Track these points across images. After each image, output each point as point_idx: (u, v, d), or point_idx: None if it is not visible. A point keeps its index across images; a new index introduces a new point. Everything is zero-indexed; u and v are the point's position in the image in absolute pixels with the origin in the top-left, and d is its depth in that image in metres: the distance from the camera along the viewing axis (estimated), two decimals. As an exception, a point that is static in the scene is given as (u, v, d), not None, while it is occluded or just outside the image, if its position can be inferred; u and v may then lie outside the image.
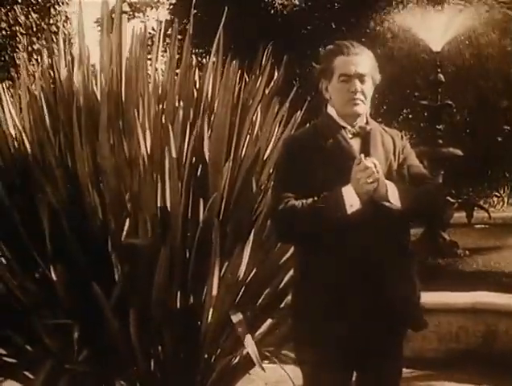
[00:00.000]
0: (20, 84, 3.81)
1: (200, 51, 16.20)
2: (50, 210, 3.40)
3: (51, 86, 3.68)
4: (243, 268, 3.41)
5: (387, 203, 2.55)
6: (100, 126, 3.35)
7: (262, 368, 3.19)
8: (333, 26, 16.58)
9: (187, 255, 3.40)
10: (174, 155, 3.28)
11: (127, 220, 3.39)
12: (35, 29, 14.29)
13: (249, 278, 3.51)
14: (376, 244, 2.54)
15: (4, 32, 14.05)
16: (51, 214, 3.39)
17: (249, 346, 3.17)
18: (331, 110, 2.70)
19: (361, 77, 2.63)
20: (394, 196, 2.55)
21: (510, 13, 14.02)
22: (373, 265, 2.54)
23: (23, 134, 3.72)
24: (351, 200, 2.50)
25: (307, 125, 2.86)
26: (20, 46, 14.04)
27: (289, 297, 3.58)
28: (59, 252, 3.34)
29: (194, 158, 3.50)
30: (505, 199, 13.58)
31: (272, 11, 17.15)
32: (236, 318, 3.24)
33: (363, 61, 2.65)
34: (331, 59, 2.66)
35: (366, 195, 2.51)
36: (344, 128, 2.66)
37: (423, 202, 2.65)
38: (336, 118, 2.68)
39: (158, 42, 3.85)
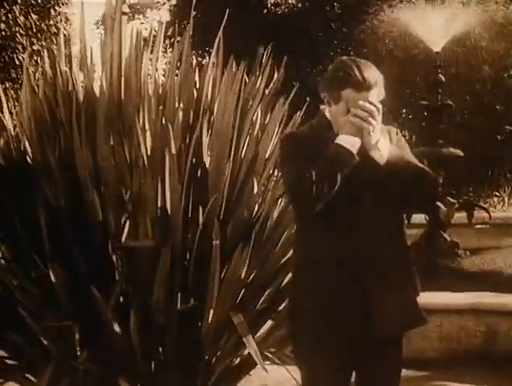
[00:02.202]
0: (21, 84, 3.82)
1: (200, 52, 16.21)
2: (50, 211, 3.40)
3: (52, 86, 3.68)
4: (244, 269, 3.41)
5: (377, 153, 2.52)
6: (98, 127, 3.35)
7: (264, 368, 3.19)
8: (333, 27, 16.61)
9: (188, 256, 3.40)
10: (174, 156, 3.27)
11: (127, 221, 3.39)
12: (34, 30, 14.29)
13: (249, 279, 3.51)
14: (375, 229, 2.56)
15: (4, 33, 14.04)
16: (50, 215, 3.39)
17: (251, 346, 3.17)
18: (328, 114, 2.65)
19: None
20: (384, 147, 2.54)
21: (509, 13, 14.04)
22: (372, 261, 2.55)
23: (24, 135, 3.72)
24: (349, 141, 2.49)
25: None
26: (20, 47, 14.03)
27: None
28: (59, 253, 3.34)
29: (194, 159, 3.49)
30: (506, 200, 13.54)
31: (271, 11, 17.16)
32: (237, 319, 3.24)
33: (373, 95, 2.52)
34: (339, 87, 2.53)
35: (361, 134, 2.49)
36: None
37: (416, 171, 2.62)
38: (329, 119, 2.64)
39: (159, 43, 3.85)
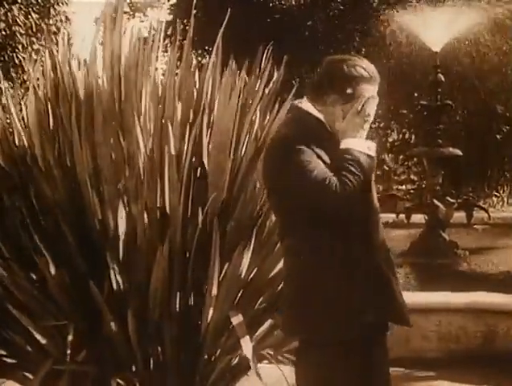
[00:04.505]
0: (20, 84, 3.82)
1: (200, 51, 16.22)
2: (48, 209, 3.40)
3: (52, 85, 3.68)
4: (243, 268, 3.41)
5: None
6: (96, 125, 3.35)
7: (258, 375, 3.15)
8: (335, 25, 16.60)
9: (187, 255, 3.40)
10: (173, 155, 3.27)
11: (126, 220, 3.39)
12: (34, 29, 14.27)
13: (249, 278, 3.51)
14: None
15: (4, 32, 14.04)
16: (49, 213, 3.39)
17: (247, 350, 3.14)
18: (317, 112, 2.64)
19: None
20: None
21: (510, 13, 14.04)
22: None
23: (23, 133, 3.72)
24: (366, 145, 2.54)
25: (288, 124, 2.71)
26: (20, 46, 14.02)
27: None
28: (58, 252, 3.34)
29: (194, 158, 3.49)
30: (505, 199, 13.58)
31: (272, 9, 17.14)
32: (235, 319, 3.24)
33: (376, 89, 2.64)
34: (355, 83, 2.57)
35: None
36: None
37: None
38: (320, 118, 2.63)
39: (159, 42, 3.85)
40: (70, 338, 3.13)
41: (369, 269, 2.57)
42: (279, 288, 3.59)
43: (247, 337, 3.19)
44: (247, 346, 3.15)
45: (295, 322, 2.66)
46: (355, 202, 2.49)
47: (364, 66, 2.60)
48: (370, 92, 2.59)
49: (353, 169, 2.47)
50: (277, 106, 3.77)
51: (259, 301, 3.62)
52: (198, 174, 3.54)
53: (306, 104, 2.66)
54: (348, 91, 2.57)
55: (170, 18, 18.87)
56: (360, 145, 2.54)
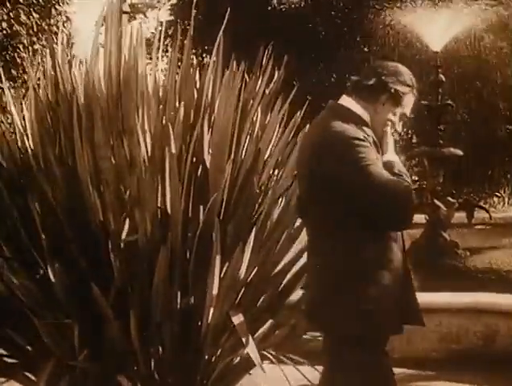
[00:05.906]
0: (21, 83, 3.82)
1: (200, 51, 16.21)
2: (50, 210, 3.40)
3: (53, 86, 3.68)
4: (244, 268, 3.41)
5: None
6: (96, 127, 3.35)
7: (263, 369, 3.18)
8: (334, 26, 16.59)
9: (188, 255, 3.40)
10: (174, 155, 3.27)
11: (127, 220, 3.39)
12: (35, 29, 14.26)
13: (249, 278, 3.51)
14: None
15: (5, 32, 14.03)
16: (50, 214, 3.39)
17: (250, 347, 3.16)
18: (349, 103, 2.72)
19: None
20: None
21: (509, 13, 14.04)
22: None
23: (24, 134, 3.72)
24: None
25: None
26: (21, 46, 14.01)
27: (290, 298, 3.60)
28: (59, 252, 3.34)
29: (194, 159, 3.49)
30: (506, 200, 13.54)
31: (273, 10, 17.14)
32: (236, 318, 3.24)
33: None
34: (407, 87, 2.72)
35: None
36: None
37: None
38: (360, 114, 2.71)
39: (159, 42, 3.85)
40: (76, 335, 3.13)
41: (399, 271, 2.72)
42: (282, 287, 3.60)
43: (249, 336, 3.20)
44: (249, 343, 3.16)
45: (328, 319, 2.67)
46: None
47: (411, 75, 2.75)
48: (412, 102, 2.74)
49: (404, 177, 2.60)
50: (277, 106, 3.77)
51: (260, 301, 3.62)
52: (199, 175, 3.54)
53: (347, 101, 2.73)
54: (398, 91, 2.69)
55: (170, 18, 18.88)
56: (400, 163, 2.68)
